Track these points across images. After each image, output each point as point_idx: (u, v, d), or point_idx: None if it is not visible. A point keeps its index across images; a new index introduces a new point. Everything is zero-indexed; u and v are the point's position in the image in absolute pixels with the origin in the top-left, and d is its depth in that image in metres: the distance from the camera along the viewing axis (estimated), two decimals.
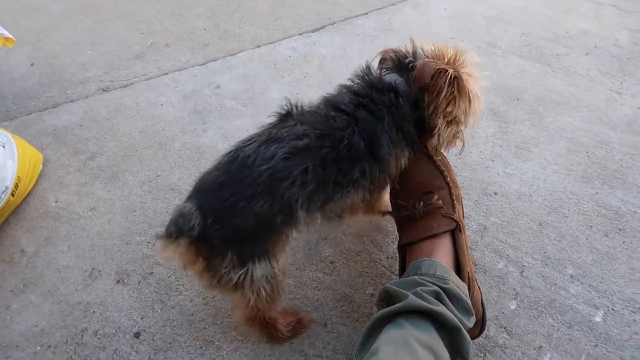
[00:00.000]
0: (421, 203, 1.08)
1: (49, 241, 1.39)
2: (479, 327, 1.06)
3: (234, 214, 0.85)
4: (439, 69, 0.97)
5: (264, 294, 0.94)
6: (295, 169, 0.87)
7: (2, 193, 1.37)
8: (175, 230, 0.82)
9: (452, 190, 1.11)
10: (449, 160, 1.19)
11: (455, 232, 1.05)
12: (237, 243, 0.87)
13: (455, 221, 1.05)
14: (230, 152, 0.93)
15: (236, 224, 0.85)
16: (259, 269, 0.90)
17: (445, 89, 0.97)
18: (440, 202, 1.08)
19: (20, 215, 1.47)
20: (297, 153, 0.89)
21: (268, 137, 0.91)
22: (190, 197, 0.90)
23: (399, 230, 1.15)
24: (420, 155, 1.13)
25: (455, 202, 1.10)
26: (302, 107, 0.99)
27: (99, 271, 1.31)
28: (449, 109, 1.01)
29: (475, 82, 1.05)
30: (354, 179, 0.96)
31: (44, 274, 1.31)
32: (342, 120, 0.95)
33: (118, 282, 1.28)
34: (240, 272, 0.88)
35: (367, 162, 0.96)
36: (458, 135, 1.11)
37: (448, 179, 1.12)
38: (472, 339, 1.07)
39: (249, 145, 0.91)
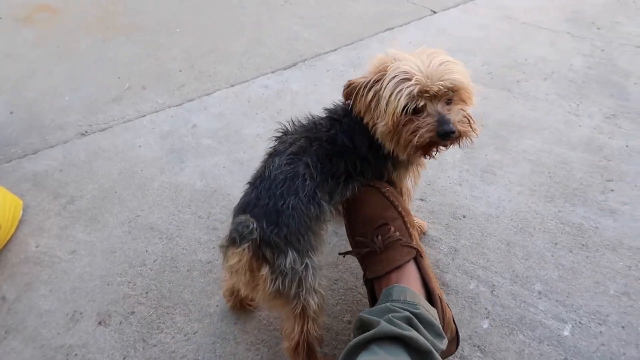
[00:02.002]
0: (379, 237, 1.10)
1: (30, 286, 1.40)
2: (455, 343, 1.10)
3: (279, 214, 0.97)
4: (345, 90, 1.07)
5: (315, 301, 1.02)
6: (299, 167, 1.02)
7: None
8: (239, 237, 0.92)
9: (406, 219, 1.15)
10: (420, 187, 1.23)
11: (417, 259, 1.09)
12: (294, 241, 0.97)
13: (415, 249, 1.09)
14: (251, 180, 1.08)
15: (287, 223, 0.96)
16: (313, 265, 1.01)
17: (358, 100, 1.05)
18: (397, 233, 1.11)
19: (1, 262, 1.48)
20: (295, 156, 1.04)
21: (271, 153, 1.08)
22: (237, 214, 1.01)
23: (363, 265, 1.16)
24: (368, 189, 1.17)
25: (411, 229, 1.15)
26: (293, 122, 1.14)
27: (81, 313, 1.32)
28: (366, 118, 1.06)
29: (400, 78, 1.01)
30: (345, 171, 1.09)
31: (25, 320, 1.32)
32: (328, 124, 1.11)
33: (100, 323, 1.30)
34: (301, 268, 0.98)
35: (355, 157, 1.10)
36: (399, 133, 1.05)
37: (400, 208, 1.16)
38: (449, 355, 1.11)
39: (262, 166, 1.08)
